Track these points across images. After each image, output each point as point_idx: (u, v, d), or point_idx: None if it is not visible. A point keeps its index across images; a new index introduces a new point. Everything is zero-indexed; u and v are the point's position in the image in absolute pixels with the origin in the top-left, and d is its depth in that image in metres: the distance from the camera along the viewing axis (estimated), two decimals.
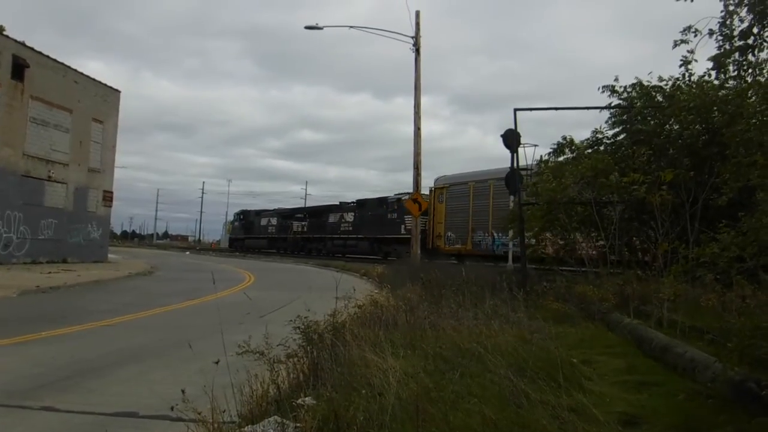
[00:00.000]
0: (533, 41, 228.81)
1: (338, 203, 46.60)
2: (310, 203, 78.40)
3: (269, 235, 54.78)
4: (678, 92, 12.42)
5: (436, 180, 32.35)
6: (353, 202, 43.87)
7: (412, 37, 21.56)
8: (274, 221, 54.89)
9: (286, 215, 54.01)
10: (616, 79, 13.83)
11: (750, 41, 8.95)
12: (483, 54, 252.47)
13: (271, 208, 61.13)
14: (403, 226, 35.26)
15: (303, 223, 49.70)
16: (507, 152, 12.97)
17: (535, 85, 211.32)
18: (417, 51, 21.47)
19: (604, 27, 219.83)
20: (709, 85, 11.78)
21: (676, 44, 9.89)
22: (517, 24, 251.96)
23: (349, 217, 42.58)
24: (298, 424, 3.63)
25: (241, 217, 61.45)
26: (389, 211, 37.85)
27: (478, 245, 27.44)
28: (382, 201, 39.24)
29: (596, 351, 6.54)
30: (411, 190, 30.41)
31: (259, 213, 59.35)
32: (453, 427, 3.42)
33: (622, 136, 14.01)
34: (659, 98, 13.26)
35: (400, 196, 36.39)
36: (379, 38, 24.96)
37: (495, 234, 26.20)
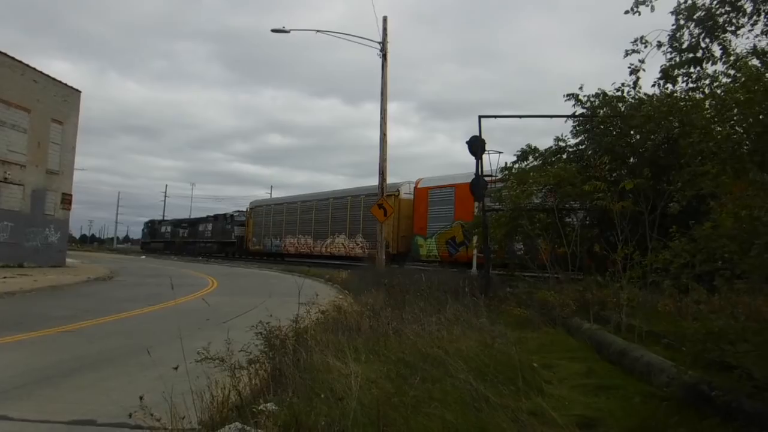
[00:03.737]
0: (503, 51, 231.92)
1: (206, 216, 61.12)
2: None
3: (165, 240, 68.27)
4: (643, 105, 12.68)
5: (250, 203, 50.32)
6: (213, 216, 58.12)
7: (380, 43, 21.64)
8: (168, 229, 69.04)
9: (176, 224, 67.91)
10: (581, 88, 14.03)
11: (699, 54, 9.29)
12: (453, 62, 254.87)
13: (169, 219, 77.19)
14: (232, 234, 51.15)
15: (185, 230, 63.12)
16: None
17: (504, 93, 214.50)
18: (384, 56, 21.56)
19: (572, 38, 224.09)
20: (670, 98, 12.06)
21: (627, 53, 10.27)
22: (488, 34, 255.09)
23: (209, 227, 57.09)
24: (260, 430, 3.61)
25: (149, 225, 76.43)
26: (227, 224, 53.10)
27: (266, 246, 44.95)
28: (225, 216, 54.74)
29: (556, 355, 6.65)
30: (240, 209, 53.72)
31: (161, 222, 74.75)
32: (414, 431, 3.44)
33: (584, 145, 14.26)
34: (621, 107, 13.54)
35: (233, 213, 53.64)
36: (350, 44, 25.31)
37: (274, 239, 43.94)
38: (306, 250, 39.45)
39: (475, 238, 19.65)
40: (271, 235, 44.30)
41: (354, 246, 34.43)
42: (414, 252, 29.48)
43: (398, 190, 30.82)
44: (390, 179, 23.82)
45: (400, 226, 30.81)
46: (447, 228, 27.53)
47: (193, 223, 62.70)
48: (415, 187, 30.21)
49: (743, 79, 8.21)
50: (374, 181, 24.86)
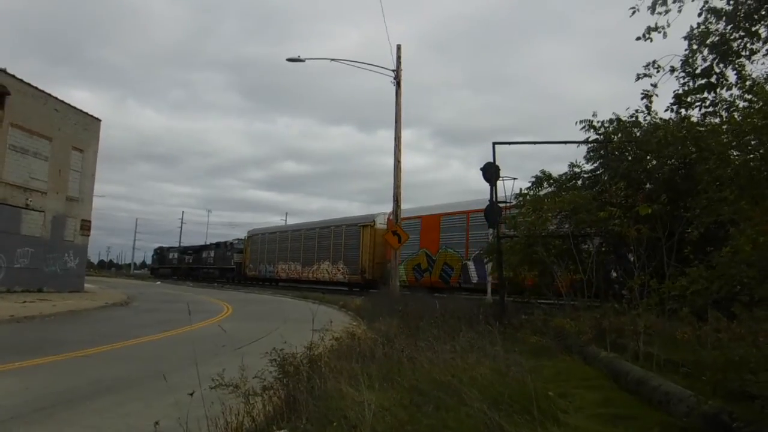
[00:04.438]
0: (517, 77, 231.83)
1: (208, 244, 66.33)
2: None
3: (172, 265, 71.95)
4: (660, 131, 12.62)
5: (248, 232, 53.76)
6: (215, 244, 62.72)
7: (393, 71, 21.84)
8: (176, 255, 73.00)
9: (182, 251, 72.31)
10: (594, 115, 14.06)
11: (713, 80, 9.29)
12: (467, 88, 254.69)
13: (176, 246, 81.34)
14: (232, 261, 55.29)
15: (191, 257, 67.16)
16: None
17: (518, 119, 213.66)
18: (398, 84, 21.73)
19: (586, 64, 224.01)
20: (685, 123, 12.00)
21: (639, 77, 10.28)
22: (501, 60, 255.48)
23: (211, 254, 61.21)
24: None
25: (158, 252, 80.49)
26: (226, 251, 57.58)
27: (261, 272, 48.71)
28: (225, 244, 59.67)
29: (573, 384, 6.56)
30: (240, 237, 56.77)
31: (169, 249, 78.70)
32: None
33: (600, 171, 14.21)
34: (636, 133, 13.49)
35: (232, 241, 58.21)
36: (364, 71, 25.90)
37: (268, 265, 47.40)
38: (295, 275, 43.31)
39: (489, 265, 19.54)
40: (266, 261, 48.07)
41: (336, 272, 37.83)
42: (387, 277, 30.78)
43: (374, 221, 34.45)
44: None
45: (375, 253, 34.04)
46: (414, 255, 30.14)
47: (197, 251, 66.94)
48: (388, 219, 31.57)
49: (760, 104, 8.19)
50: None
